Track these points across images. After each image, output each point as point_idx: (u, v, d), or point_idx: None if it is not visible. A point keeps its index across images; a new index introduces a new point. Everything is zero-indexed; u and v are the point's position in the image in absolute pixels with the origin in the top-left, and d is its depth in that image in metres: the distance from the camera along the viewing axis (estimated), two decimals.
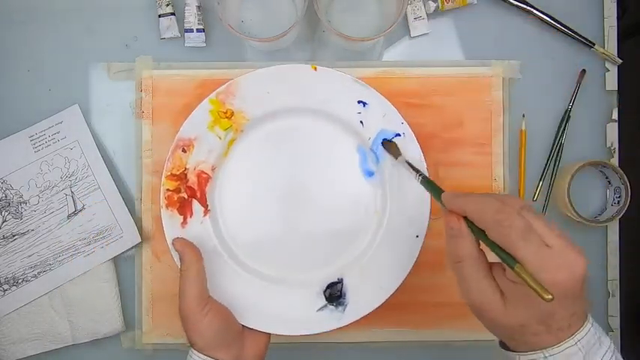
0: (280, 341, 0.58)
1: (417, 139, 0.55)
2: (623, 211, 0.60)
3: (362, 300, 0.54)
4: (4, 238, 0.61)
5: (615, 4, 0.63)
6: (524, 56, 0.63)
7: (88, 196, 0.61)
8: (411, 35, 0.63)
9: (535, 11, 0.62)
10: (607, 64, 0.63)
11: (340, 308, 0.54)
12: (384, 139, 0.54)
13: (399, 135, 0.53)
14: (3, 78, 0.62)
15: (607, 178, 0.63)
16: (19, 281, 0.60)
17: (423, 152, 0.54)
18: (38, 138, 0.61)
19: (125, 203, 0.61)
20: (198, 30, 0.61)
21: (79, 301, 0.60)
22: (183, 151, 0.54)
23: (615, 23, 0.63)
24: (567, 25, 0.62)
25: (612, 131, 0.63)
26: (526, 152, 0.62)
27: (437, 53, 0.63)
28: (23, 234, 0.61)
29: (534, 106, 0.63)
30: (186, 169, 0.54)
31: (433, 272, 0.61)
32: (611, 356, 0.38)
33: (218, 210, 0.55)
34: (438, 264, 0.61)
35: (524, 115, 0.63)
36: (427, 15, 0.62)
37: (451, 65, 0.62)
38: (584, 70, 0.63)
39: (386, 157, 0.54)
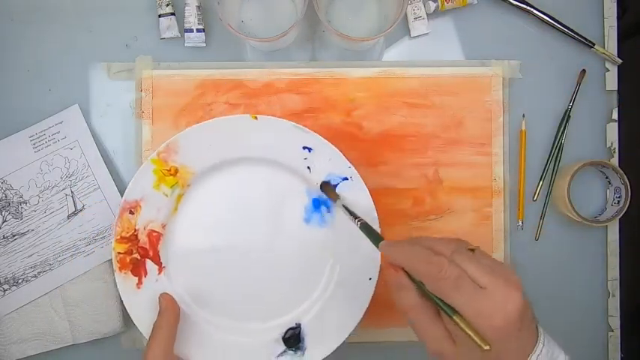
0: None
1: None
2: (623, 211, 0.60)
3: (320, 343, 0.54)
4: (4, 238, 0.61)
5: (615, 4, 0.63)
6: (524, 56, 0.63)
7: (88, 196, 0.61)
8: (411, 35, 0.63)
9: (535, 11, 0.62)
10: (607, 64, 0.63)
11: (299, 353, 0.54)
12: (323, 182, 0.54)
13: (346, 179, 0.53)
14: (3, 78, 0.62)
15: (607, 178, 0.63)
16: (19, 281, 0.60)
17: (372, 196, 0.53)
18: (38, 138, 0.61)
19: None
20: (198, 30, 0.61)
21: (79, 301, 0.60)
22: (131, 212, 0.53)
23: (615, 23, 0.63)
24: (567, 25, 0.62)
25: (612, 131, 0.63)
26: (526, 152, 0.62)
27: (437, 53, 0.63)
28: (23, 234, 0.61)
29: (534, 106, 0.63)
30: (135, 230, 0.54)
31: None
32: None
33: (172, 266, 0.55)
34: None
35: (524, 115, 0.63)
36: (427, 15, 0.62)
37: (451, 65, 0.62)
38: (584, 70, 0.63)
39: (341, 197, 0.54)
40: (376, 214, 0.53)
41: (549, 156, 0.63)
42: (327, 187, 0.54)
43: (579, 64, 0.63)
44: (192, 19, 0.61)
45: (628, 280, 0.63)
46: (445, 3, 0.62)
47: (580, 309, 0.63)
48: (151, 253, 0.54)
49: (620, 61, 0.63)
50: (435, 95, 0.62)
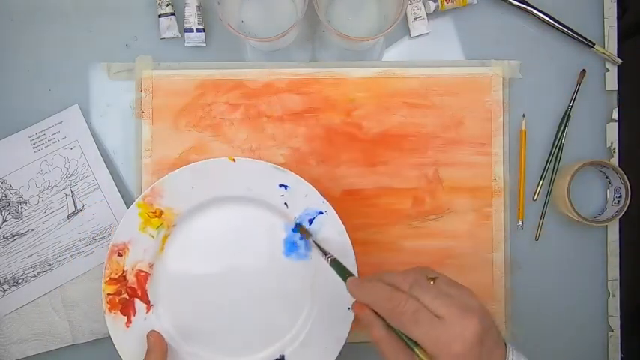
0: None
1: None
2: (623, 211, 0.60)
3: None
4: (4, 238, 0.61)
5: (615, 4, 0.63)
6: (524, 56, 0.63)
7: (88, 196, 0.61)
8: (411, 35, 0.63)
9: (535, 11, 0.62)
10: (607, 64, 0.63)
11: None
12: (296, 225, 0.56)
13: (321, 213, 0.55)
14: (3, 78, 0.62)
15: (607, 178, 0.63)
16: (19, 281, 0.60)
17: (346, 228, 0.55)
18: (38, 138, 0.61)
19: (125, 203, 0.61)
20: (198, 30, 0.61)
21: (79, 301, 0.60)
22: (119, 255, 0.55)
23: (615, 23, 0.63)
24: (567, 25, 0.62)
25: (612, 131, 0.63)
26: (526, 152, 0.62)
27: (437, 53, 0.63)
28: (23, 234, 0.61)
29: (534, 106, 0.63)
30: (124, 271, 0.55)
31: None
32: None
33: (160, 304, 0.57)
34: (437, 264, 0.61)
35: (524, 115, 0.63)
36: (427, 15, 0.62)
37: (451, 65, 0.62)
38: (584, 70, 0.63)
39: (315, 235, 0.55)
40: (351, 245, 0.55)
41: (549, 156, 0.63)
42: (300, 228, 0.56)
43: (579, 64, 0.63)
44: (192, 19, 0.61)
45: (628, 280, 0.63)
46: (445, 3, 0.62)
47: (580, 309, 0.63)
48: (139, 293, 0.56)
49: (620, 61, 0.63)
50: (435, 95, 0.62)
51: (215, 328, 0.57)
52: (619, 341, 0.62)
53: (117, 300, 0.55)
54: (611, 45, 0.63)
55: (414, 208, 0.62)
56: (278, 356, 0.56)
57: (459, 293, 0.41)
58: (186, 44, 0.62)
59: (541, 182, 0.63)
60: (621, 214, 0.60)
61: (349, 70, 0.62)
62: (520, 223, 0.62)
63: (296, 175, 0.55)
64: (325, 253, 0.51)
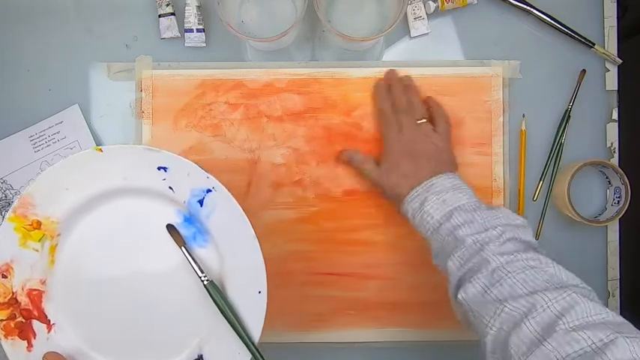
0: (280, 341, 0.58)
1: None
2: (623, 211, 0.60)
3: None
4: None
5: (615, 4, 0.63)
6: (524, 56, 0.63)
7: None
8: (411, 35, 0.63)
9: (535, 11, 0.62)
10: (607, 64, 0.63)
11: None
12: (167, 225, 0.50)
13: (210, 190, 0.49)
14: (3, 78, 0.62)
15: (607, 178, 0.63)
16: None
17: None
18: (38, 138, 0.61)
19: None
20: (198, 30, 0.61)
21: None
22: (4, 276, 0.49)
23: (615, 23, 0.63)
24: (567, 25, 0.62)
25: (612, 131, 0.63)
26: (526, 152, 0.62)
27: (437, 53, 0.63)
28: None
29: (534, 106, 0.63)
30: (13, 293, 0.50)
31: (433, 272, 0.61)
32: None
33: (62, 320, 0.51)
34: None
35: (524, 115, 0.63)
36: (427, 15, 0.62)
37: (451, 65, 0.62)
38: (584, 70, 0.63)
39: (209, 217, 0.50)
40: (249, 223, 0.49)
41: (549, 156, 0.63)
42: (172, 230, 0.50)
43: (579, 64, 0.63)
44: (192, 19, 0.61)
45: (628, 280, 0.63)
46: (445, 3, 0.62)
47: None
48: (35, 313, 0.51)
49: (620, 61, 0.63)
50: (435, 95, 0.62)
51: (125, 336, 0.52)
52: None
53: (12, 325, 0.50)
54: (611, 45, 0.63)
55: None
56: (196, 356, 0.51)
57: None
58: (186, 44, 0.62)
59: (541, 182, 0.63)
60: (621, 214, 0.60)
61: (349, 70, 0.62)
62: None
63: (172, 153, 0.48)
64: (201, 272, 0.48)
